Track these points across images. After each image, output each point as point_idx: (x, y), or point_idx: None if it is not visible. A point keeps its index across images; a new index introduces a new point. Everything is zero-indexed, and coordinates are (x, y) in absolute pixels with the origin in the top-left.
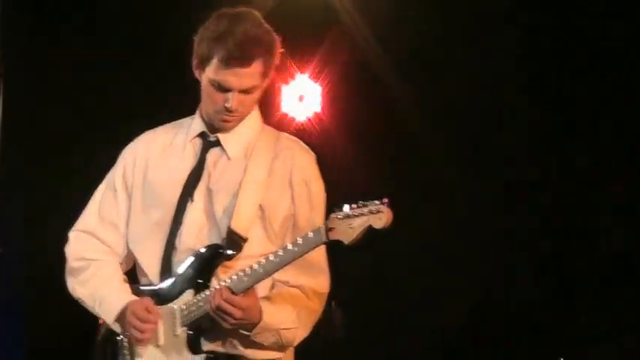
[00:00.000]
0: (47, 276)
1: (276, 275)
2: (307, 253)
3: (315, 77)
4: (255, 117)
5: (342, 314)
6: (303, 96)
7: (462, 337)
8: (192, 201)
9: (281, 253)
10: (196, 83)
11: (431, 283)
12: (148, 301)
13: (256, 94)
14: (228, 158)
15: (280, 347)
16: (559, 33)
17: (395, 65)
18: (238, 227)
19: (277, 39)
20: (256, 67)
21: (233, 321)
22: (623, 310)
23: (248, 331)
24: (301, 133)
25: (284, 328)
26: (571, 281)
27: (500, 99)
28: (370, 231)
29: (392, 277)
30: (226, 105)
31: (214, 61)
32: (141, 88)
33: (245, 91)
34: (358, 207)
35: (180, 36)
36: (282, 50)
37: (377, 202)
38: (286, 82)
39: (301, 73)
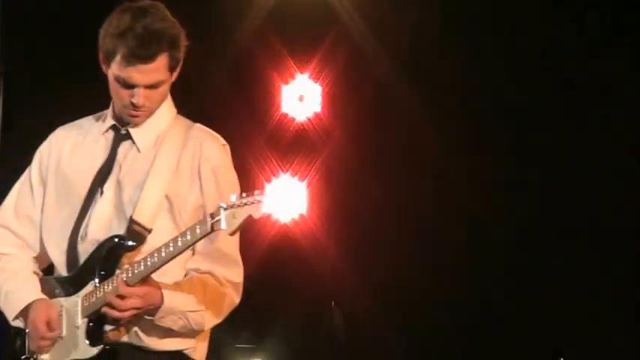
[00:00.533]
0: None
1: (188, 264)
2: (197, 242)
3: (315, 77)
4: (166, 108)
5: (342, 314)
6: (303, 96)
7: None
8: (102, 193)
9: (171, 246)
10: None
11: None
12: (51, 313)
13: (164, 88)
14: (139, 151)
15: (191, 332)
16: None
17: (395, 65)
18: (141, 218)
19: (182, 30)
20: (161, 61)
21: (132, 312)
22: None
23: (152, 316)
24: (301, 133)
25: (190, 310)
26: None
27: (501, 98)
28: (249, 220)
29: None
30: (132, 101)
31: (117, 58)
32: None
33: (151, 87)
34: (242, 197)
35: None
36: (186, 44)
37: (257, 191)
38: (286, 82)
39: (301, 73)
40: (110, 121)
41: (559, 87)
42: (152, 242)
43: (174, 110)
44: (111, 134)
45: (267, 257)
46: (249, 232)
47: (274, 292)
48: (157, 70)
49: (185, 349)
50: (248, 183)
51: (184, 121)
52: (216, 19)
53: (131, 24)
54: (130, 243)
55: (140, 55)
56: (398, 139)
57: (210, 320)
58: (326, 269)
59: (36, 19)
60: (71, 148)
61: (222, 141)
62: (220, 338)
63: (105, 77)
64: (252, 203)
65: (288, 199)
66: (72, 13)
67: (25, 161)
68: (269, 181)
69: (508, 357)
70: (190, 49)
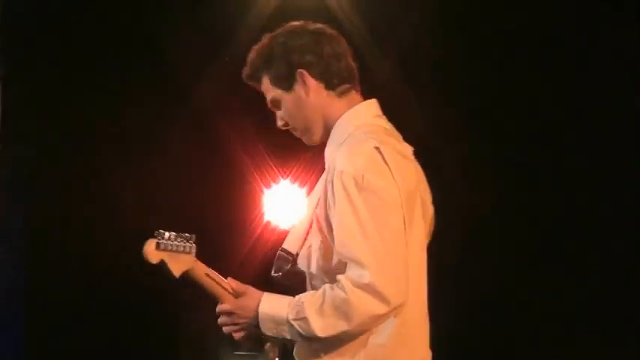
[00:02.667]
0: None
1: None
2: None
3: None
4: None
5: None
6: None
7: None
8: None
9: None
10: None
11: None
12: None
13: None
14: None
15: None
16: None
17: (394, 72)
18: None
19: None
20: None
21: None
22: None
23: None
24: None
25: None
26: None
27: (497, 96)
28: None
29: None
30: None
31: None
32: (144, 89)
33: None
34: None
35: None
36: None
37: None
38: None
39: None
40: None
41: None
42: None
43: None
44: None
45: (266, 264)
46: (248, 238)
47: None
48: None
49: None
50: (248, 189)
51: None
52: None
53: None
54: None
55: None
56: None
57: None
58: None
59: (35, 23)
60: None
61: None
62: (220, 346)
63: (107, 79)
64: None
65: (287, 205)
66: (71, 16)
67: (23, 164)
68: (268, 187)
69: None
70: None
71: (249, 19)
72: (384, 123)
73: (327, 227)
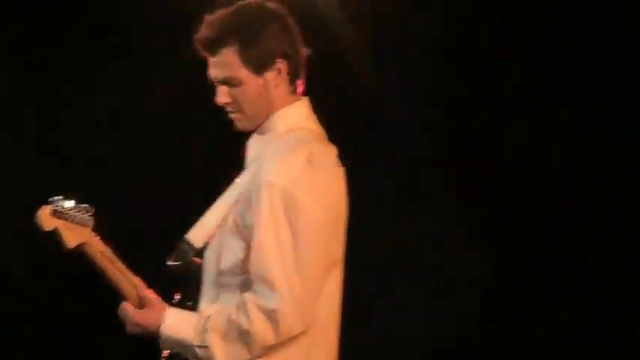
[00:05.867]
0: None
1: None
2: None
3: None
4: None
5: None
6: None
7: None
8: None
9: None
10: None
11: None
12: None
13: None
14: None
15: None
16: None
17: (371, 61)
18: None
19: None
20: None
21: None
22: None
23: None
24: None
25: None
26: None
27: (485, 89)
28: None
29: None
30: None
31: None
32: (132, 86)
33: None
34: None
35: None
36: None
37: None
38: None
39: None
40: None
41: None
42: None
43: None
44: None
45: None
46: None
47: None
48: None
49: None
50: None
51: None
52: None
53: None
54: None
55: None
56: (375, 137)
57: None
58: None
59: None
60: None
61: None
62: None
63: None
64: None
65: None
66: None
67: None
68: None
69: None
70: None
71: None
72: (313, 124)
73: (245, 232)
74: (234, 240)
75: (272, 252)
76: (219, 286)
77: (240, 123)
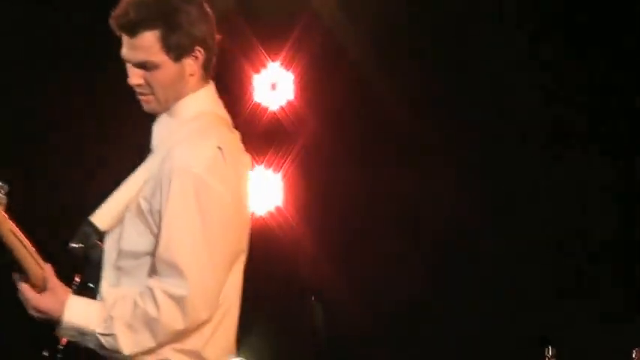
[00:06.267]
0: None
1: None
2: None
3: (288, 65)
4: None
5: (322, 308)
6: (276, 84)
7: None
8: None
9: None
10: None
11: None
12: None
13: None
14: None
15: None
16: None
17: (369, 50)
18: None
19: None
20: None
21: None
22: None
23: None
24: (275, 123)
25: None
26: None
27: (479, 85)
28: None
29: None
30: None
31: None
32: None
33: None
34: None
35: None
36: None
37: None
38: (257, 71)
39: (273, 61)
40: None
41: None
42: None
43: None
44: None
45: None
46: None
47: (251, 287)
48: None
49: None
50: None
51: None
52: None
53: None
54: None
55: None
56: (375, 126)
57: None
58: (304, 262)
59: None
60: None
61: None
62: None
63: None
64: None
65: (263, 191)
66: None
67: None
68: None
69: (495, 346)
70: None
71: None
72: (220, 109)
73: (152, 217)
74: (137, 224)
75: (183, 239)
76: (119, 269)
77: (150, 105)
